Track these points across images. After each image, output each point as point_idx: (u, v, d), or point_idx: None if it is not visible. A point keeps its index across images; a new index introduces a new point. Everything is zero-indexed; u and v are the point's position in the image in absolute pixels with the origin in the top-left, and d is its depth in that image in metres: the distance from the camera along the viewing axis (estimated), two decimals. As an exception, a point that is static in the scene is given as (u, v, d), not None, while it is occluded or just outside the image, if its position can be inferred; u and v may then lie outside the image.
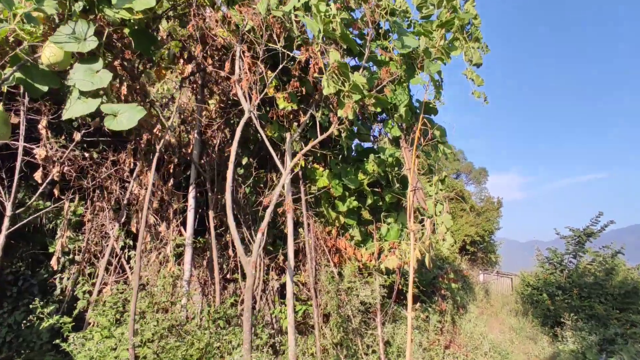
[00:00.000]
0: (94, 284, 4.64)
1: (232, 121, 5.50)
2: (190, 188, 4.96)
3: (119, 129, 3.34)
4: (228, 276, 5.28)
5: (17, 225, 4.54)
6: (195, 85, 5.00)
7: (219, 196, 5.59)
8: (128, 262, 4.83)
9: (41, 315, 3.77)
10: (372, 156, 5.89)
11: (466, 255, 21.09)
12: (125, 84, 4.27)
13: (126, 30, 3.55)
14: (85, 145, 5.46)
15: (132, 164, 5.13)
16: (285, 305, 5.42)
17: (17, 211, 4.59)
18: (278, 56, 4.82)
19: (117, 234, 4.83)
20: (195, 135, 5.05)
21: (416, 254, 4.80)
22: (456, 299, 9.62)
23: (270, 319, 5.42)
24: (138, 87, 4.28)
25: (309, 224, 5.63)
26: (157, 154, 3.99)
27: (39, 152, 4.70)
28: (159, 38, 4.32)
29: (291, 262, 3.94)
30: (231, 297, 4.66)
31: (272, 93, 5.00)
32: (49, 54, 3.23)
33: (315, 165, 5.81)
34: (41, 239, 5.33)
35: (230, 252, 5.41)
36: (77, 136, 5.06)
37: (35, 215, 4.70)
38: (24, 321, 4.10)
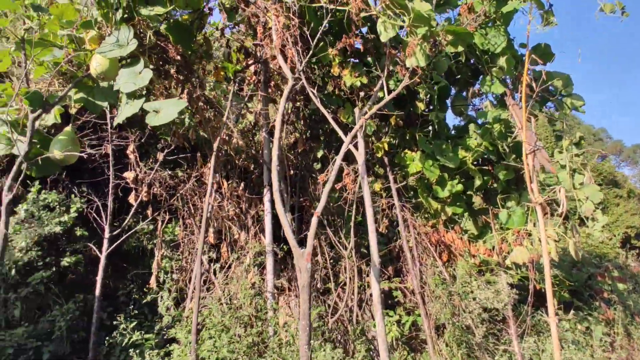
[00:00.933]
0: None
1: (302, 113, 5.05)
2: (265, 190, 4.60)
3: (159, 124, 3.13)
4: (318, 285, 4.69)
5: (112, 246, 4.75)
6: (258, 82, 4.71)
7: (302, 198, 5.13)
8: (216, 277, 4.63)
9: (123, 332, 3.68)
10: (472, 126, 4.77)
11: (632, 250, 16.80)
12: (185, 90, 4.17)
13: (163, 28, 3.38)
14: (172, 165, 5.64)
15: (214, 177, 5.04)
16: (390, 316, 4.58)
17: (114, 233, 4.82)
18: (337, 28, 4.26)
19: (202, 248, 4.69)
20: (264, 134, 4.71)
21: (552, 238, 3.54)
22: (627, 303, 7.31)
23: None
24: (197, 91, 4.13)
25: (405, 219, 4.75)
26: (214, 154, 3.70)
27: (128, 175, 4.93)
28: (210, 36, 4.14)
29: (374, 256, 3.17)
30: (316, 308, 4.04)
31: (337, 71, 4.40)
32: (95, 64, 3.21)
33: (406, 152, 4.94)
34: (148, 261, 5.56)
35: (319, 258, 4.83)
36: (160, 156, 5.20)
37: (126, 235, 4.84)
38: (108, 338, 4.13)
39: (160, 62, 4.06)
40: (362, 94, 4.38)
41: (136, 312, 4.68)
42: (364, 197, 3.50)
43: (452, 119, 21.34)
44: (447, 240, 4.57)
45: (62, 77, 3.80)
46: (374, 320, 4.51)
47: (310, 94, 3.50)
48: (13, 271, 4.64)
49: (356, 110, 4.00)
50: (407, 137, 5.07)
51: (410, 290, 4.87)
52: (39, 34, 3.31)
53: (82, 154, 5.04)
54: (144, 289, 5.13)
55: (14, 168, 3.04)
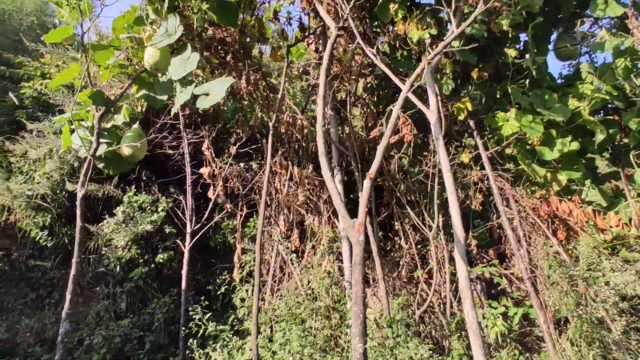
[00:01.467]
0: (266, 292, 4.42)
1: (371, 87, 4.56)
2: (335, 171, 4.23)
3: (210, 105, 2.98)
4: (402, 273, 4.15)
5: (193, 241, 4.87)
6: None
7: (380, 178, 4.64)
8: (292, 265, 4.42)
9: (199, 323, 3.66)
10: (585, 66, 3.76)
11: None
12: (244, 80, 4.05)
13: (206, 8, 3.25)
14: (246, 159, 5.64)
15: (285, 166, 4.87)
16: (493, 308, 3.84)
17: (195, 228, 4.96)
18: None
19: (278, 238, 4.53)
20: (329, 111, 4.35)
21: None
22: None
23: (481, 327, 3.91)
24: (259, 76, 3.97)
25: (502, 191, 3.95)
26: (270, 135, 3.46)
27: (204, 171, 5.02)
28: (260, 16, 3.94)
29: (457, 231, 2.56)
30: (398, 298, 3.51)
31: (401, 28, 3.84)
32: (147, 57, 3.23)
33: (497, 112, 4.12)
34: (233, 255, 5.64)
35: (403, 242, 4.29)
36: (233, 149, 5.22)
37: (205, 229, 4.93)
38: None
39: (216, 49, 4.00)
40: (433, 49, 3.75)
41: (218, 305, 4.72)
42: (440, 161, 2.91)
43: (557, 68, 17.79)
44: (563, 213, 3.65)
45: (129, 77, 3.97)
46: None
47: (367, 51, 3.03)
48: (117, 267, 5.06)
49: (423, 59, 3.40)
50: (497, 95, 4.23)
51: (518, 277, 4.04)
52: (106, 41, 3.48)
53: (162, 152, 5.36)
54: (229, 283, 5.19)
55: (85, 165, 3.20)
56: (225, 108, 5.31)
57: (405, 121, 2.94)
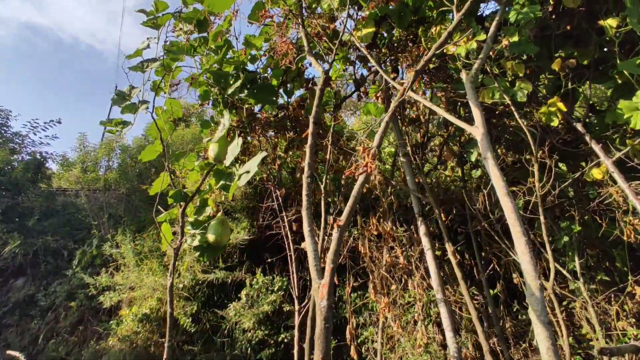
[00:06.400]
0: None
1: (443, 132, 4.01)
2: (419, 223, 3.67)
3: (247, 181, 3.11)
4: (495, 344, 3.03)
5: (300, 317, 4.79)
6: (381, 99, 4.19)
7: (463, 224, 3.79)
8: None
9: None
10: None
11: None
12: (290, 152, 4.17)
13: (244, 95, 3.60)
14: (349, 227, 5.48)
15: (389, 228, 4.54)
16: None
17: (302, 304, 4.90)
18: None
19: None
20: (401, 158, 3.95)
21: None
22: None
23: None
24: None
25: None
26: (322, 194, 3.32)
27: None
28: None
29: (529, 279, 1.72)
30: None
31: (449, 49, 3.38)
32: (210, 151, 3.69)
33: (621, 102, 2.99)
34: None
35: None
36: (330, 220, 5.18)
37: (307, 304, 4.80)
38: None
39: (282, 128, 4.29)
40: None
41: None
42: (495, 186, 2.19)
43: None
44: None
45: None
46: None
47: (383, 75, 2.74)
48: (249, 349, 5.36)
49: (462, 74, 2.81)
50: (617, 81, 3.12)
51: None
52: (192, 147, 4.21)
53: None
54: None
55: (174, 255, 3.68)
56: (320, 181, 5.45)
57: (365, 149, 2.37)
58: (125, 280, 6.37)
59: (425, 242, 3.60)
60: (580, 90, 3.20)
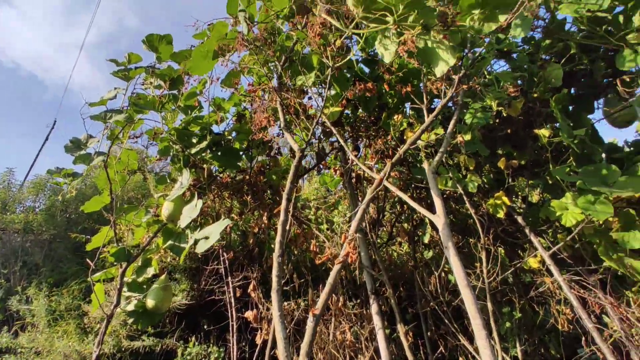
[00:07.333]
0: None
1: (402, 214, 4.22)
2: (371, 301, 3.66)
3: (205, 249, 2.96)
4: None
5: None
6: (339, 172, 4.33)
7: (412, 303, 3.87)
8: None
9: None
10: (642, 127, 3.01)
11: None
12: (265, 214, 4.14)
13: (208, 157, 3.57)
14: (296, 296, 5.32)
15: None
16: None
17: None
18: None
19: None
20: (357, 234, 4.02)
21: None
22: None
23: None
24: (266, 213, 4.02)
25: (584, 302, 2.94)
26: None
27: (248, 315, 4.81)
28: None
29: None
30: None
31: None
32: (164, 210, 3.52)
33: (553, 202, 3.37)
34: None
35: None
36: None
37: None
38: None
39: (239, 191, 4.24)
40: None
41: None
42: (455, 276, 2.29)
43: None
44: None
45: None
46: None
47: (352, 158, 2.87)
48: None
49: (424, 165, 3.05)
50: (547, 181, 3.54)
51: None
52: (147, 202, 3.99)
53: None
54: None
55: (104, 323, 3.29)
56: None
57: (346, 237, 2.49)
58: (32, 343, 5.50)
59: (377, 320, 3.56)
60: (517, 186, 3.58)
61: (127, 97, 3.54)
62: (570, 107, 3.69)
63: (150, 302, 3.59)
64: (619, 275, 3.19)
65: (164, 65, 3.73)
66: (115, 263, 3.59)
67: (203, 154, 3.54)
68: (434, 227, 3.21)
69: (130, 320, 3.74)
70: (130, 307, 3.66)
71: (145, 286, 3.88)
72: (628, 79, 3.18)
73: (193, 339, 5.45)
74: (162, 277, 3.83)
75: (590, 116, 3.59)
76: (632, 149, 3.44)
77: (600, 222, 2.96)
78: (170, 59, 3.62)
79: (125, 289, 3.85)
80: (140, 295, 3.74)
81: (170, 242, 3.80)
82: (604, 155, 3.40)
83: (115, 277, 3.75)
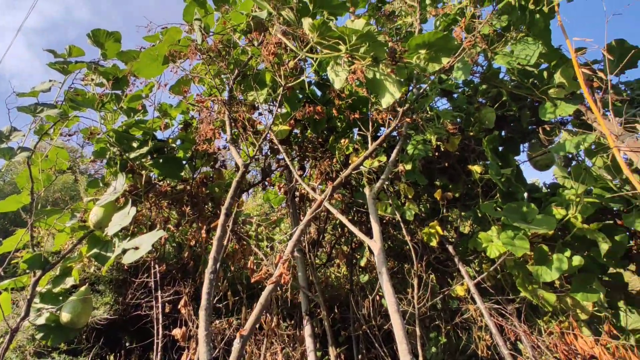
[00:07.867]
0: None
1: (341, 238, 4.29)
2: (304, 322, 3.64)
3: (134, 260, 2.78)
4: None
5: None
6: (283, 190, 4.32)
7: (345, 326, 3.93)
8: None
9: None
10: (558, 170, 3.37)
11: None
12: (204, 227, 4.00)
13: (148, 165, 3.41)
14: (229, 314, 5.15)
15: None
16: None
17: (160, 405, 4.21)
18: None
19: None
20: (296, 253, 4.03)
21: None
22: None
23: None
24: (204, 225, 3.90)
25: (501, 329, 3.14)
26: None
27: (176, 333, 4.56)
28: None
29: None
30: None
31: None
32: (92, 215, 3.28)
33: (480, 234, 3.62)
34: None
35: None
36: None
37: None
38: None
39: (178, 201, 4.07)
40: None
41: None
42: (386, 301, 2.36)
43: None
44: (586, 350, 2.72)
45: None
46: None
47: (296, 176, 2.89)
48: None
49: (366, 190, 3.16)
50: (477, 214, 3.80)
51: None
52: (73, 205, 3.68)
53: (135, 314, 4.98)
54: None
55: (7, 337, 2.93)
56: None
57: (280, 258, 2.54)
58: None
59: (309, 343, 3.54)
60: (450, 217, 3.81)
61: (63, 91, 3.31)
62: (500, 148, 4.04)
63: (65, 316, 3.26)
64: (533, 305, 3.48)
65: (109, 64, 3.56)
66: (28, 270, 3.25)
67: (143, 160, 3.37)
68: (372, 251, 3.29)
69: (39, 336, 3.36)
70: (41, 321, 3.31)
71: (61, 297, 3.55)
72: (548, 128, 3.56)
73: (112, 357, 5.03)
74: (83, 288, 3.51)
75: (516, 158, 3.96)
76: (548, 190, 3.82)
77: (519, 256, 3.23)
78: (117, 58, 3.46)
79: (37, 299, 3.48)
80: (54, 308, 3.41)
81: (95, 250, 3.53)
82: (525, 194, 3.75)
83: (26, 286, 3.38)
